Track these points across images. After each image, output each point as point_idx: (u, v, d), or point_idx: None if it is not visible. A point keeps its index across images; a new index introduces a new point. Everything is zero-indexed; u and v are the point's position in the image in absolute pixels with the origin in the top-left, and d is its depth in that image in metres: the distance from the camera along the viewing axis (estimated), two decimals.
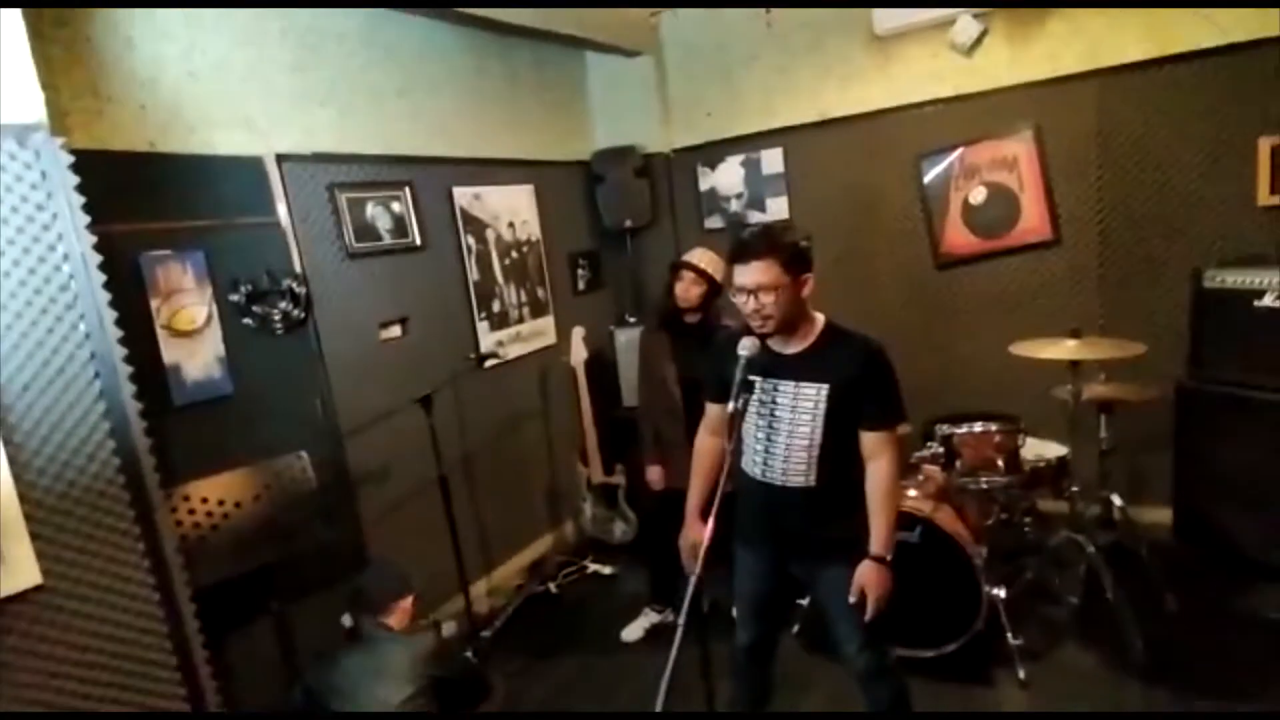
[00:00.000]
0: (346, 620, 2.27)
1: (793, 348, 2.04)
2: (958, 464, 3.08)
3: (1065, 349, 2.91)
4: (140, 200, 2.53)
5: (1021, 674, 2.76)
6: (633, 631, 3.34)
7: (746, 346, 1.95)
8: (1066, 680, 2.77)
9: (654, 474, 3.16)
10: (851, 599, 2.02)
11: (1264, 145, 3.25)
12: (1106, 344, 2.98)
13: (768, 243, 1.95)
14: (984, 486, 3.06)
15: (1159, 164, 3.49)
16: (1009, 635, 2.82)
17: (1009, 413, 3.56)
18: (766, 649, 2.37)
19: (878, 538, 2.02)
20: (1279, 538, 2.90)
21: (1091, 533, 3.13)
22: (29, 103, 2.06)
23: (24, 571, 2.02)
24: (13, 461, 2.00)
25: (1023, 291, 3.84)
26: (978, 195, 3.89)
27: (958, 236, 3.97)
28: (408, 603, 2.33)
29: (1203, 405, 3.26)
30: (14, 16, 2.02)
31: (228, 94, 2.77)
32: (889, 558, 2.02)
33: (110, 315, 2.19)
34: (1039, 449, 3.25)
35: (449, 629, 3.27)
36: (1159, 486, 3.50)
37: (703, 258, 2.99)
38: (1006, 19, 3.63)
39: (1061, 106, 3.63)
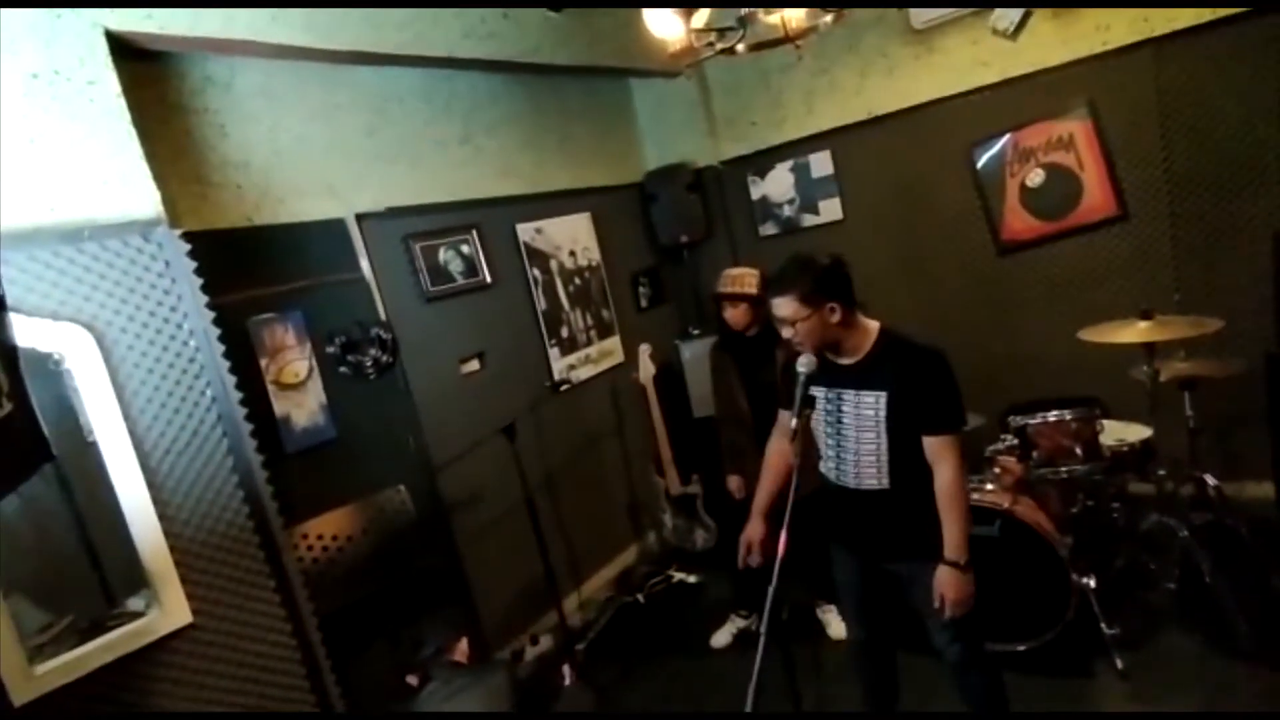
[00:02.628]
0: (412, 680, 2.46)
1: (847, 359, 2.13)
2: (1034, 454, 3.06)
3: (1137, 331, 2.86)
4: (243, 270, 2.80)
5: (1120, 664, 2.73)
6: (721, 638, 3.44)
7: (805, 364, 2.05)
8: (1168, 668, 2.72)
9: (733, 484, 3.25)
10: (935, 605, 2.09)
11: None
12: (1181, 322, 2.90)
13: (785, 280, 2.06)
14: (1064, 476, 3.02)
15: (1225, 128, 3.37)
16: (1103, 625, 2.79)
17: (1086, 396, 3.52)
18: (883, 647, 2.45)
19: (949, 542, 2.07)
20: None
21: (1184, 514, 3.05)
22: (147, 199, 2.33)
23: (177, 612, 2.28)
24: (161, 516, 2.27)
25: (1091, 271, 3.76)
26: (1035, 178, 3.83)
27: (1018, 221, 3.92)
28: (459, 645, 2.50)
29: None
30: (125, 120, 2.31)
31: (310, 164, 3.03)
32: (963, 561, 2.06)
33: (231, 380, 2.46)
34: (1120, 432, 3.18)
35: (544, 644, 3.45)
36: (1257, 462, 3.36)
37: (736, 282, 3.08)
38: None
39: (1116, 80, 3.55)
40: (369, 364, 3.10)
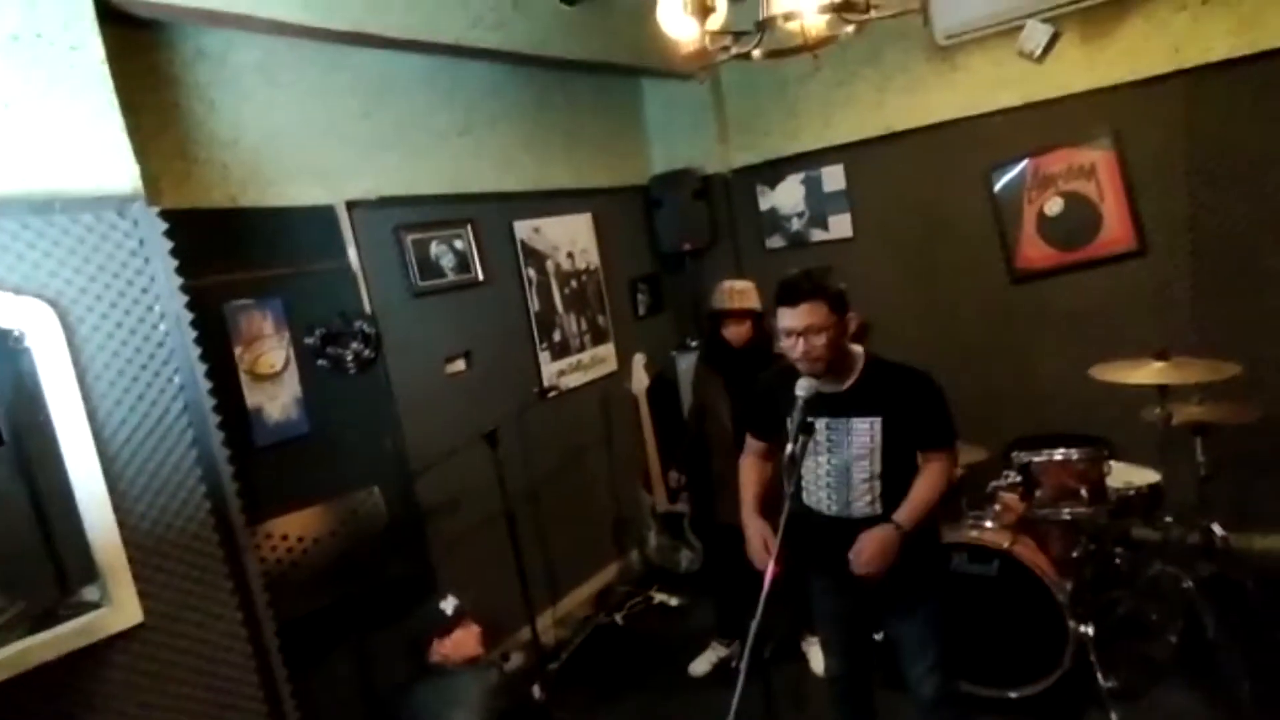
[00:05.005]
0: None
1: (840, 385, 2.09)
2: (1038, 493, 2.94)
3: (1151, 372, 2.75)
4: (224, 253, 2.68)
5: (1114, 717, 2.61)
6: (700, 665, 3.32)
7: (804, 388, 1.98)
8: None
9: (673, 477, 3.30)
10: (851, 554, 2.04)
11: None
12: (1197, 365, 2.78)
13: (813, 284, 2.00)
14: (1066, 517, 2.90)
15: (1254, 168, 3.26)
16: (1099, 675, 2.67)
17: (1094, 434, 3.39)
18: (860, 682, 2.37)
19: (905, 508, 2.05)
20: None
21: (1190, 564, 2.94)
22: (125, 173, 2.22)
23: (128, 611, 2.16)
24: (117, 509, 2.14)
25: (1107, 305, 3.64)
26: (1054, 206, 3.72)
27: (1033, 249, 3.80)
28: (465, 633, 2.37)
29: None
30: (108, 89, 2.19)
31: (302, 147, 2.91)
32: (904, 529, 2.02)
33: (201, 368, 2.34)
34: (1127, 475, 3.06)
35: (515, 661, 3.33)
36: (1268, 513, 3.25)
37: (741, 297, 2.98)
38: (1080, 20, 3.46)
39: (1144, 110, 3.44)
40: (349, 358, 2.97)
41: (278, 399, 2.79)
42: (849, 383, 2.08)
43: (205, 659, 2.34)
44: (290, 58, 2.87)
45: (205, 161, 2.65)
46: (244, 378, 2.70)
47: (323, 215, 2.97)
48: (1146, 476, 3.03)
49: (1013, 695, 2.71)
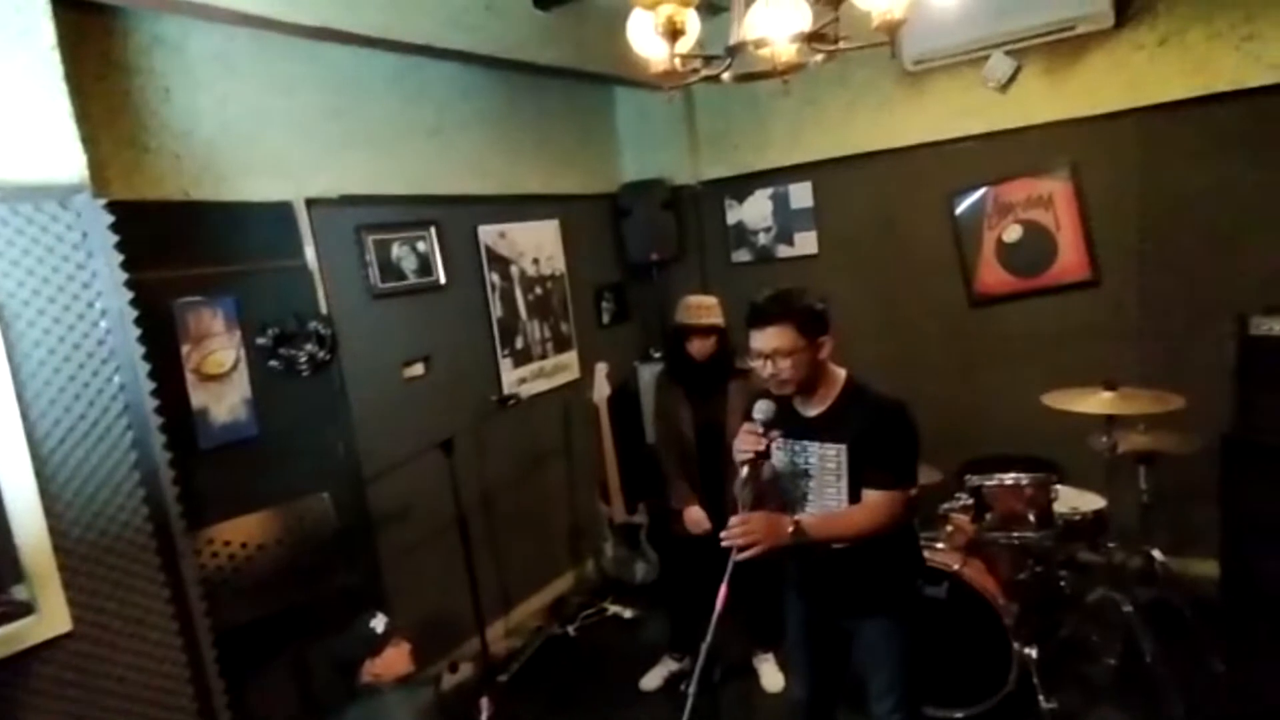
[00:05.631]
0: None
1: (814, 408, 2.05)
2: (988, 516, 2.99)
3: (1100, 401, 2.82)
4: (174, 248, 2.59)
5: None
6: (651, 680, 3.29)
7: (761, 410, 1.96)
8: None
9: (694, 515, 3.01)
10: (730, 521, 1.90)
11: None
12: (1144, 397, 2.86)
13: (782, 307, 1.94)
14: (1015, 541, 2.96)
15: (1202, 206, 3.36)
16: (1041, 698, 2.73)
17: (1044, 458, 3.49)
18: (824, 708, 2.33)
19: (819, 518, 1.97)
20: None
21: (1130, 589, 3.01)
22: (70, 162, 2.13)
23: (56, 619, 2.06)
24: (48, 512, 2.05)
25: (1060, 332, 3.72)
26: (1012, 233, 3.80)
27: (992, 275, 3.88)
28: (396, 651, 2.31)
29: (1250, 456, 3.11)
30: (56, 75, 2.10)
31: (260, 141, 2.83)
32: (799, 529, 1.90)
33: (144, 368, 2.26)
34: (1074, 500, 3.13)
35: (464, 672, 3.27)
36: (1206, 540, 3.35)
37: (707, 313, 2.97)
38: (1043, 54, 3.54)
39: (1101, 144, 3.53)
40: (303, 359, 2.89)
41: (225, 400, 2.70)
42: (824, 407, 2.02)
43: (137, 670, 2.25)
44: (251, 48, 2.79)
45: (157, 152, 2.56)
46: (190, 378, 2.61)
47: (280, 212, 2.89)
48: (1092, 502, 3.11)
49: (959, 716, 2.75)
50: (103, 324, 2.19)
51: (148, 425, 2.28)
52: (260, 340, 2.79)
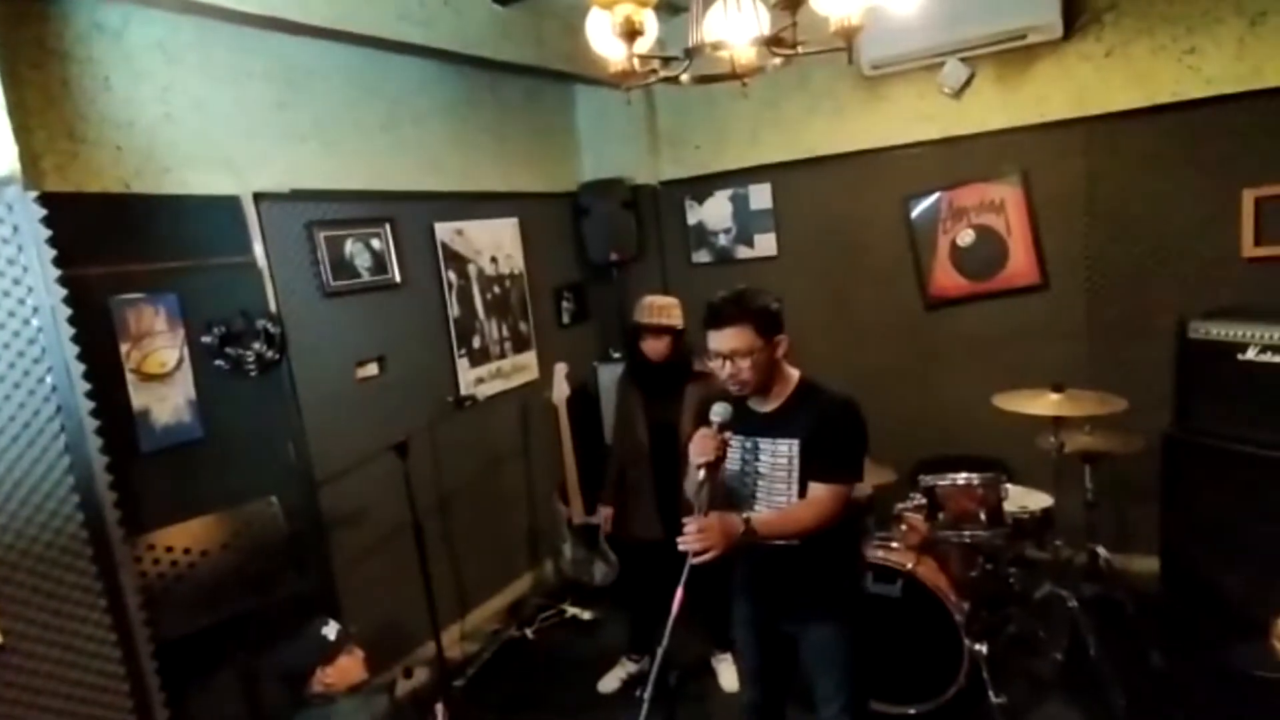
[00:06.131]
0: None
1: (769, 405, 2.07)
2: (941, 515, 3.05)
3: (1047, 403, 2.90)
4: (113, 243, 2.49)
5: None
6: (609, 683, 3.28)
7: (718, 413, 1.97)
8: None
9: (605, 515, 3.24)
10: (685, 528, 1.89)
11: (1248, 197, 3.24)
12: (1089, 399, 2.95)
13: (740, 308, 1.96)
14: (967, 539, 3.02)
15: (1145, 213, 3.48)
16: (990, 693, 2.78)
17: (995, 458, 3.56)
18: (774, 713, 2.34)
19: (766, 516, 1.97)
20: (1264, 591, 2.85)
21: (1076, 585, 3.10)
22: (1, 154, 2.03)
23: None
24: None
25: (1010, 335, 3.81)
26: (966, 237, 3.88)
27: (946, 278, 3.95)
28: (349, 659, 2.25)
29: (1189, 457, 3.22)
30: None
31: (205, 133, 2.73)
32: (749, 528, 1.90)
33: (79, 368, 2.17)
34: (1023, 498, 3.21)
35: (419, 677, 3.21)
36: (1147, 537, 3.47)
37: (663, 313, 2.97)
38: (996, 62, 3.62)
39: (1049, 152, 3.63)
40: (250, 359, 2.80)
41: (169, 401, 2.60)
42: (778, 404, 2.05)
43: (72, 683, 2.17)
44: (196, 38, 2.69)
45: (96, 143, 2.45)
46: (131, 377, 2.51)
47: (226, 206, 2.79)
48: (1040, 501, 3.19)
49: (911, 711, 2.79)
50: (34, 321, 2.10)
51: (82, 428, 2.19)
52: (205, 339, 2.70)
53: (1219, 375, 3.11)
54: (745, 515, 1.93)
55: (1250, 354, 3.02)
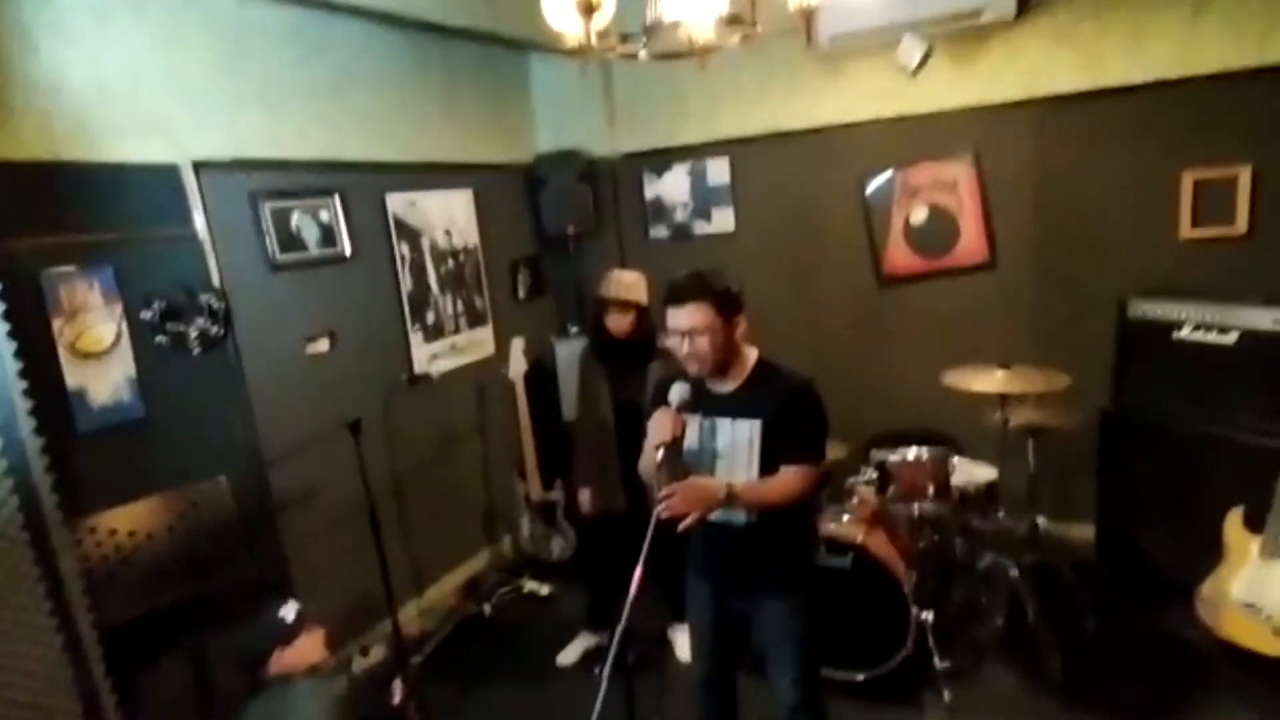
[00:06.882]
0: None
1: (727, 386, 2.08)
2: (891, 489, 3.13)
3: (994, 380, 2.98)
4: (43, 214, 2.37)
5: (947, 697, 2.83)
6: (568, 655, 3.32)
7: (677, 394, 1.98)
8: (989, 702, 2.85)
9: (584, 496, 3.19)
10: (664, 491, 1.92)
11: (1187, 179, 3.35)
12: (1034, 376, 3.04)
13: (700, 287, 1.97)
14: (915, 513, 3.11)
15: (1090, 194, 3.57)
16: (935, 658, 2.89)
17: (944, 432, 3.67)
18: (724, 687, 2.38)
19: (748, 484, 2.00)
20: (1192, 557, 3.01)
21: (1017, 554, 3.23)
22: None
23: None
24: None
25: (961, 313, 3.90)
26: (919, 215, 3.93)
27: (899, 255, 4.01)
28: (309, 639, 2.22)
29: (1125, 430, 3.37)
30: None
31: (138, 98, 2.59)
32: (732, 494, 1.95)
33: (9, 346, 2.08)
34: (970, 471, 3.32)
35: (375, 655, 3.20)
36: (1084, 506, 3.62)
37: (630, 289, 2.97)
38: (951, 41, 3.65)
39: (1000, 132, 3.68)
40: (193, 335, 2.71)
41: (105, 379, 2.50)
42: (736, 384, 2.06)
43: (11, 671, 2.09)
44: None
45: (22, 110, 2.31)
46: (64, 355, 2.40)
47: (164, 175, 2.67)
48: (985, 474, 3.30)
49: (860, 677, 2.88)
50: None
51: (14, 408, 2.10)
52: (145, 314, 2.59)
53: (1155, 353, 3.25)
54: (732, 486, 1.96)
55: (1184, 332, 3.15)
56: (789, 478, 2.02)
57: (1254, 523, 2.80)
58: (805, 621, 2.15)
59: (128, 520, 2.48)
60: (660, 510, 1.86)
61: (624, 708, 1.94)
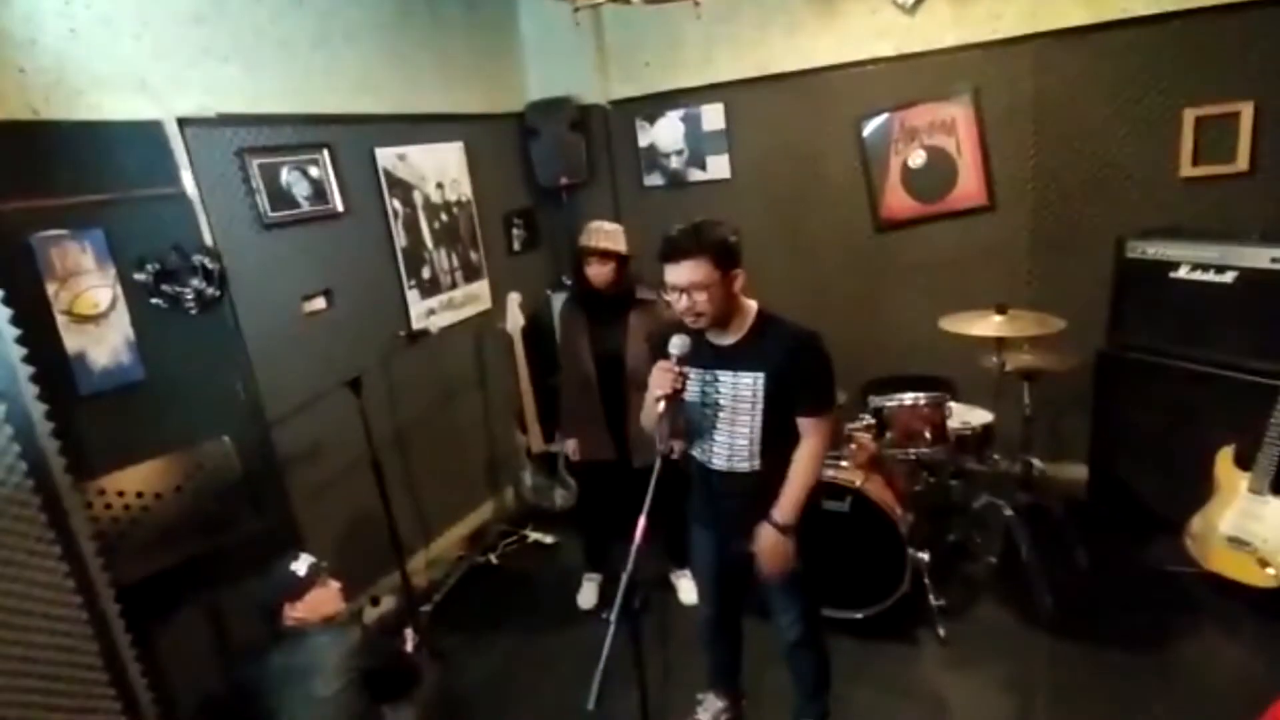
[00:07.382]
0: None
1: (729, 338, 2.08)
2: (888, 434, 3.17)
3: (991, 325, 2.99)
4: (27, 175, 2.31)
5: (942, 632, 2.93)
6: (587, 598, 3.40)
7: (678, 345, 1.98)
8: (982, 636, 2.95)
9: (569, 446, 3.25)
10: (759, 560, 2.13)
11: (1189, 116, 3.30)
12: (1030, 319, 3.05)
13: (697, 241, 1.93)
14: (912, 457, 3.16)
15: (1090, 132, 3.51)
16: (930, 596, 2.98)
17: (940, 376, 3.69)
18: (731, 621, 2.49)
19: (783, 503, 2.08)
20: (1180, 493, 3.08)
21: (1010, 495, 3.29)
22: None
23: None
24: None
25: (958, 257, 3.87)
26: (917, 158, 3.88)
27: (897, 200, 3.97)
28: (323, 591, 2.27)
29: (1119, 371, 3.40)
30: None
31: (116, 51, 2.51)
32: (788, 525, 2.07)
33: (5, 313, 2.07)
34: (966, 415, 3.35)
35: (386, 605, 3.27)
36: (1078, 447, 3.68)
37: (609, 238, 2.96)
38: None
39: (1000, 70, 3.61)
40: (189, 296, 2.69)
41: (105, 342, 2.49)
42: (738, 337, 2.05)
43: (34, 630, 2.14)
44: None
45: None
46: (61, 319, 2.38)
47: (148, 133, 2.61)
48: (981, 417, 3.34)
49: (859, 616, 2.97)
50: None
51: (16, 374, 2.10)
52: (139, 276, 2.56)
53: (1152, 292, 3.25)
54: (775, 521, 2.06)
55: (1181, 272, 3.15)
56: (810, 448, 2.08)
57: (1244, 460, 2.85)
58: (805, 562, 2.20)
59: (136, 481, 2.51)
60: (771, 579, 2.11)
61: (630, 649, 2.00)
